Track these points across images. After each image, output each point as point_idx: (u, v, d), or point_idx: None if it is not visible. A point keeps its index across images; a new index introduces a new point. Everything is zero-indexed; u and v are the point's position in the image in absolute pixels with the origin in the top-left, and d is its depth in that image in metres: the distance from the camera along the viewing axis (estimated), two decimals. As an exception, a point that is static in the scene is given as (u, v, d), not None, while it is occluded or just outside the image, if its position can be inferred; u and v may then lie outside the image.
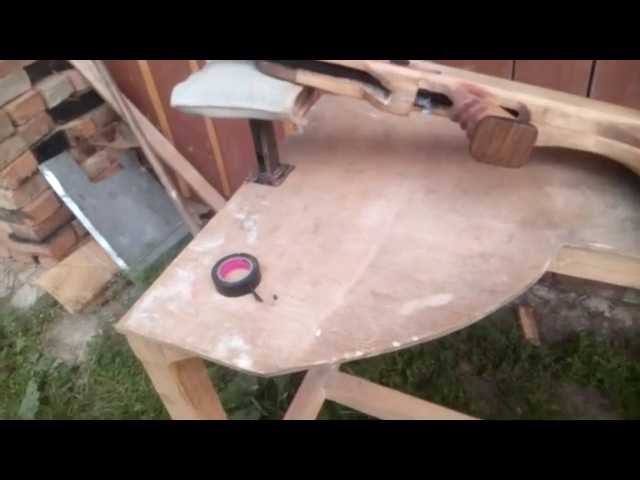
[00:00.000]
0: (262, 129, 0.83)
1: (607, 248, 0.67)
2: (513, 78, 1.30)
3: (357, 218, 0.77)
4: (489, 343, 1.53)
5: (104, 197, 1.94)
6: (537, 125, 0.64)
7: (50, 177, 1.81)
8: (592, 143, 0.71)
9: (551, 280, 1.64)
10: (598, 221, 0.71)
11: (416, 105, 0.74)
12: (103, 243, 1.89)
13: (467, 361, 1.51)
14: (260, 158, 0.87)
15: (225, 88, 0.76)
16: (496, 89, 0.71)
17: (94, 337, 1.77)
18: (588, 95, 1.25)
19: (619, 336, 1.51)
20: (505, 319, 1.58)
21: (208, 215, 1.94)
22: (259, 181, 0.88)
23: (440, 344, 1.52)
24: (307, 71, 0.75)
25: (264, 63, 0.75)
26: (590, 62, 1.21)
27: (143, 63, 1.78)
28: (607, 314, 1.56)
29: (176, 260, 0.74)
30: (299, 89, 0.76)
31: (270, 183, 0.87)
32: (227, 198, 1.91)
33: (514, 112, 0.71)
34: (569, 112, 0.71)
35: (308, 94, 0.80)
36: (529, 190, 0.77)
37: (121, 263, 1.90)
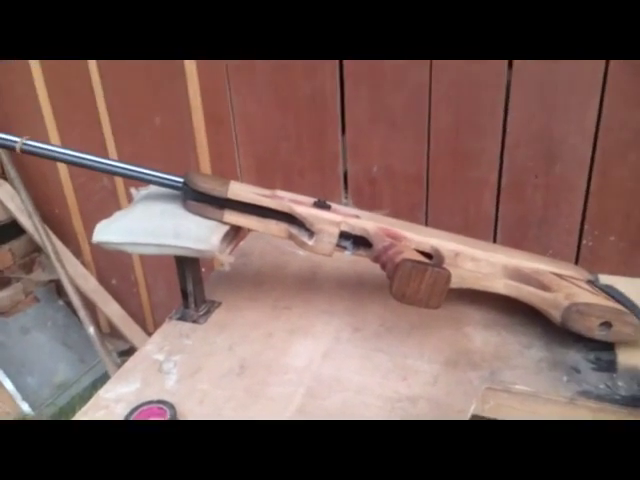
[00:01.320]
0: (187, 265, 0.82)
1: (527, 390, 0.68)
2: (426, 221, 1.40)
3: (284, 357, 0.75)
4: None
5: (14, 333, 1.81)
6: (450, 268, 0.67)
7: (-46, 311, 1.68)
8: (501, 286, 0.76)
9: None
10: (516, 362, 0.73)
11: (339, 246, 0.77)
12: (7, 384, 1.72)
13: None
14: (185, 295, 0.85)
15: (150, 226, 0.76)
16: (411, 234, 0.76)
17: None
18: (495, 238, 1.36)
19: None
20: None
21: (128, 352, 1.83)
22: (182, 318, 0.85)
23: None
24: (234, 211, 0.77)
25: (191, 203, 0.77)
26: (494, 208, 1.34)
27: (70, 195, 1.78)
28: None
29: (84, 409, 0.68)
30: (226, 228, 0.77)
31: (194, 321, 0.84)
32: (149, 334, 1.83)
33: (429, 255, 0.76)
34: (478, 256, 0.76)
35: (235, 232, 0.81)
36: (449, 330, 0.80)
37: (26, 407, 1.72)
